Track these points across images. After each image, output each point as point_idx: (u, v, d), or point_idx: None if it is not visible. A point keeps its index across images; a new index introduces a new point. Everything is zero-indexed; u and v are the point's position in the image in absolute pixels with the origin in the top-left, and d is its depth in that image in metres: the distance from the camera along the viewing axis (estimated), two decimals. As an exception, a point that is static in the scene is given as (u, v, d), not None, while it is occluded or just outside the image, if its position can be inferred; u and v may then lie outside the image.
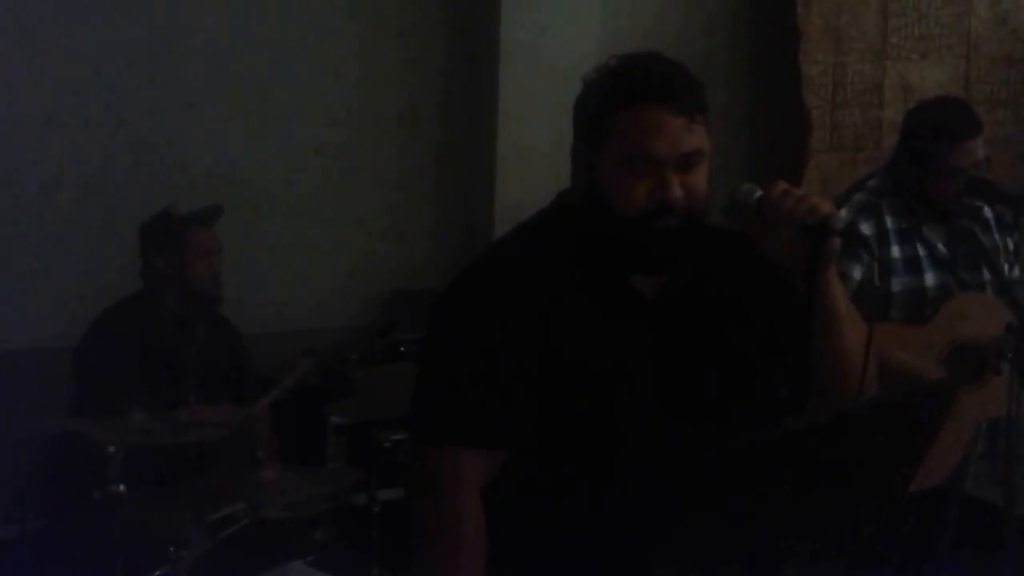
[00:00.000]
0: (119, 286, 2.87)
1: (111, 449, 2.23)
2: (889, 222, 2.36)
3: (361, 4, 3.61)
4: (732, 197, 1.38)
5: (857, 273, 2.31)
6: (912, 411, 1.30)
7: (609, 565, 1.38)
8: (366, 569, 2.51)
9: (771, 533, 1.21)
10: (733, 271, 1.48)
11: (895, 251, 2.35)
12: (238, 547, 2.31)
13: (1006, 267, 2.44)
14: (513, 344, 1.40)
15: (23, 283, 3.21)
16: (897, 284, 2.34)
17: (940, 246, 2.38)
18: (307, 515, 2.44)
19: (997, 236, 2.45)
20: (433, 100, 3.71)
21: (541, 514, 1.42)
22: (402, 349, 3.21)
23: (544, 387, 1.40)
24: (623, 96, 1.39)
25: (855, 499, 1.28)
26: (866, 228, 2.35)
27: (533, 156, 3.40)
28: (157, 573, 2.23)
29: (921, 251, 2.36)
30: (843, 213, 2.38)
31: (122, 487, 2.23)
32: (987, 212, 2.44)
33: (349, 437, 2.84)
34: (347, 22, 3.59)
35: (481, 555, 1.40)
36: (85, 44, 3.26)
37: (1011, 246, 2.48)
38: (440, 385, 1.43)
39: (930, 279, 2.35)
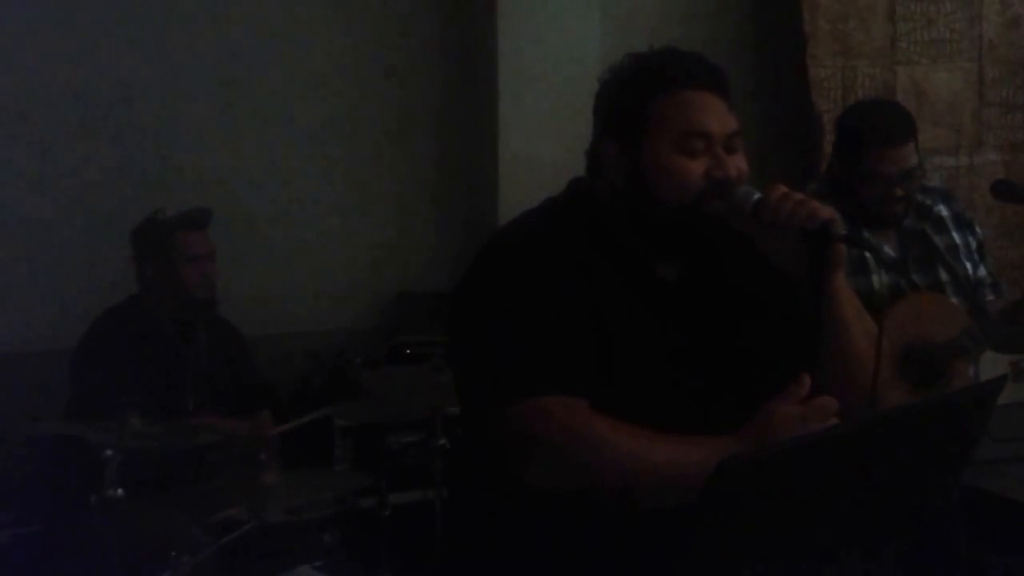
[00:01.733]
0: (114, 289, 2.84)
1: (108, 453, 2.19)
2: None
3: (362, 8, 3.59)
4: (729, 199, 1.37)
5: (876, 283, 2.27)
6: (951, 416, 1.26)
7: (631, 554, 1.35)
8: (376, 574, 2.46)
9: (808, 537, 1.17)
10: (743, 265, 1.47)
11: None
12: (244, 552, 2.26)
13: (968, 265, 2.39)
14: (559, 304, 1.37)
15: (18, 287, 3.18)
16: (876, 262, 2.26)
17: (887, 249, 2.32)
18: (314, 519, 2.40)
19: (956, 234, 2.38)
20: (435, 103, 3.70)
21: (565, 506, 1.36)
22: (408, 351, 3.17)
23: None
24: (667, 80, 1.41)
25: (895, 503, 1.24)
26: None
27: (536, 158, 3.39)
28: (157, 578, 2.17)
29: (867, 254, 2.27)
30: None
31: (120, 491, 2.19)
32: (942, 210, 2.38)
33: (356, 440, 2.80)
34: (349, 26, 3.57)
35: (625, 423, 1.30)
36: (80, 48, 3.23)
37: (973, 244, 2.42)
38: (506, 344, 1.36)
39: (878, 281, 2.29)
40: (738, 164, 1.40)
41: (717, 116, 1.39)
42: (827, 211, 1.34)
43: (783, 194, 1.35)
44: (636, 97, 1.41)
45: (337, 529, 2.45)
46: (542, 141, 3.36)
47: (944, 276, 2.32)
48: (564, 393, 1.32)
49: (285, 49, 3.48)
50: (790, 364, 1.34)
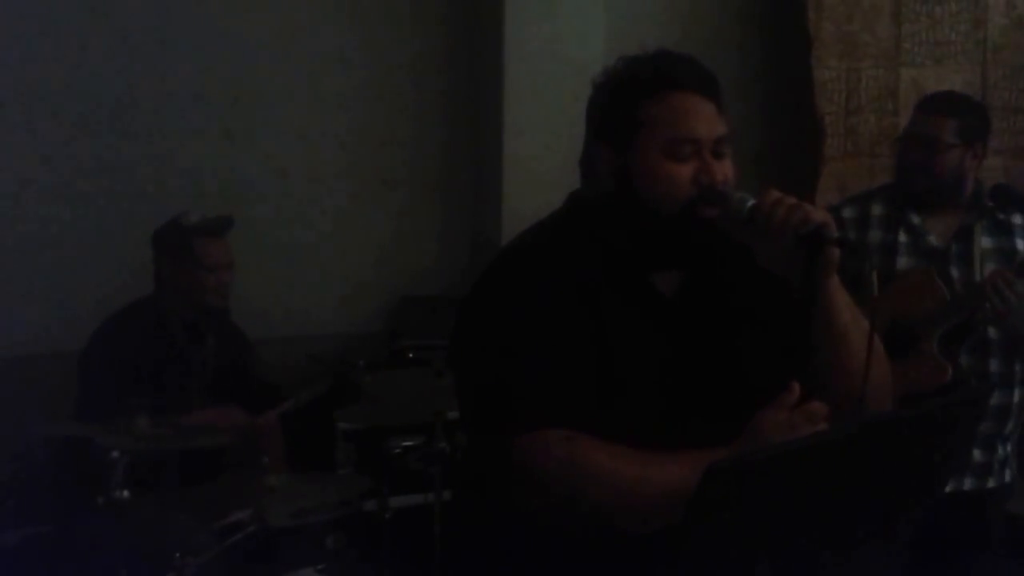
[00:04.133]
0: (122, 291, 2.85)
1: (115, 455, 2.20)
2: (875, 209, 2.43)
3: (365, 10, 3.60)
4: (725, 206, 1.37)
5: (901, 264, 2.38)
6: (939, 422, 1.26)
7: (631, 564, 1.35)
8: (378, 578, 2.47)
9: (797, 540, 1.17)
10: (740, 275, 1.46)
11: (872, 235, 2.42)
12: (248, 554, 2.27)
13: None
14: (559, 330, 1.37)
15: (27, 289, 3.20)
16: (868, 266, 2.35)
17: (932, 237, 2.39)
18: (317, 522, 2.40)
19: (1021, 242, 2.43)
20: (439, 107, 3.70)
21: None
22: (410, 355, 3.18)
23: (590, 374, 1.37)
24: (655, 83, 1.40)
25: (883, 507, 1.25)
26: (847, 212, 2.46)
27: (540, 162, 3.39)
28: (162, 580, 2.18)
29: (902, 237, 2.39)
30: (833, 204, 2.52)
31: (126, 493, 2.20)
32: (1018, 219, 2.43)
33: (358, 443, 2.80)
34: (352, 28, 3.59)
35: (622, 449, 1.32)
36: (86, 51, 3.25)
37: None
38: (505, 375, 1.36)
39: (901, 263, 2.38)
40: (725, 170, 1.40)
41: (705, 120, 1.39)
42: (820, 215, 1.35)
43: (777, 199, 1.35)
44: (626, 101, 1.41)
45: (340, 532, 2.46)
46: (546, 145, 3.35)
47: (982, 275, 2.35)
48: (564, 424, 1.33)
49: (289, 54, 3.49)
50: (788, 373, 1.34)
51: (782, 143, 3.72)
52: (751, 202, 1.36)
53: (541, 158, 3.38)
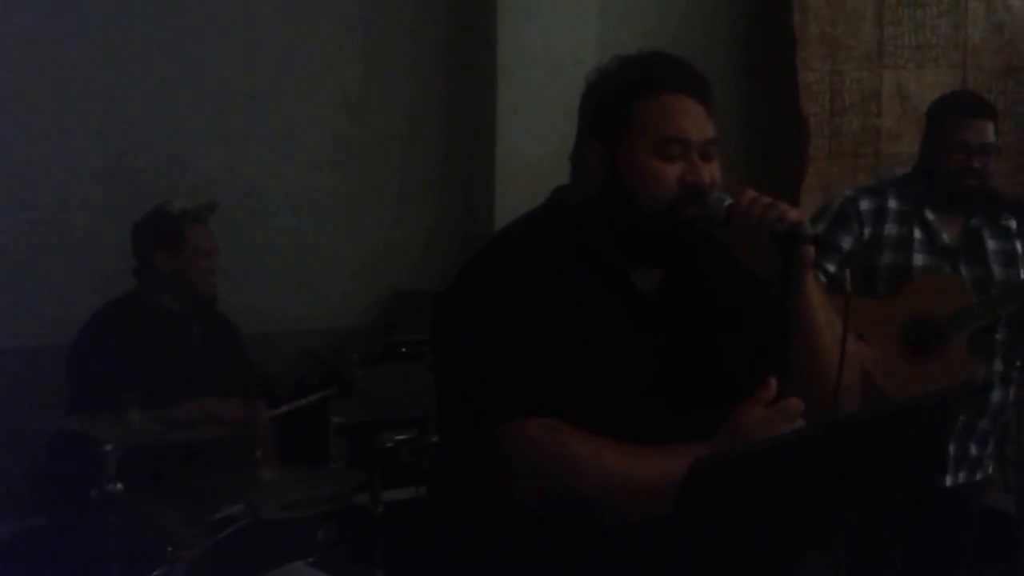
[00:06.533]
0: (112, 285, 2.86)
1: (108, 448, 2.20)
2: (892, 203, 2.44)
3: (360, 9, 3.61)
4: (703, 205, 1.39)
5: (847, 243, 2.41)
6: (917, 419, 1.29)
7: (612, 565, 1.37)
8: (369, 571, 2.49)
9: (780, 537, 1.20)
10: (719, 273, 1.48)
11: (889, 228, 2.42)
12: (239, 548, 2.29)
13: None
14: (540, 321, 1.38)
15: (17, 283, 3.20)
16: (884, 259, 2.40)
17: (945, 236, 2.42)
18: (308, 516, 2.42)
19: (1020, 245, 2.48)
20: (433, 104, 3.72)
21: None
22: (404, 350, 3.20)
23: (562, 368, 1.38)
24: (649, 83, 1.41)
25: (862, 502, 1.27)
26: (865, 204, 2.45)
27: (532, 158, 3.40)
28: (155, 573, 2.19)
29: (917, 234, 2.41)
30: (848, 192, 2.52)
31: (119, 486, 2.21)
32: (1012, 223, 2.48)
33: (351, 437, 2.82)
34: (348, 28, 3.60)
35: (607, 441, 1.33)
36: (81, 46, 3.26)
37: None
38: (488, 365, 1.36)
39: (918, 260, 2.40)
40: (712, 172, 1.41)
41: (696, 122, 1.40)
42: (795, 214, 1.36)
43: (752, 198, 1.37)
44: (619, 97, 1.42)
45: (331, 526, 2.48)
46: (539, 141, 3.36)
47: (998, 275, 2.40)
48: (546, 414, 1.34)
49: (285, 51, 3.49)
50: (765, 370, 1.35)
51: (767, 144, 3.77)
52: (728, 201, 1.38)
53: (533, 154, 3.40)
